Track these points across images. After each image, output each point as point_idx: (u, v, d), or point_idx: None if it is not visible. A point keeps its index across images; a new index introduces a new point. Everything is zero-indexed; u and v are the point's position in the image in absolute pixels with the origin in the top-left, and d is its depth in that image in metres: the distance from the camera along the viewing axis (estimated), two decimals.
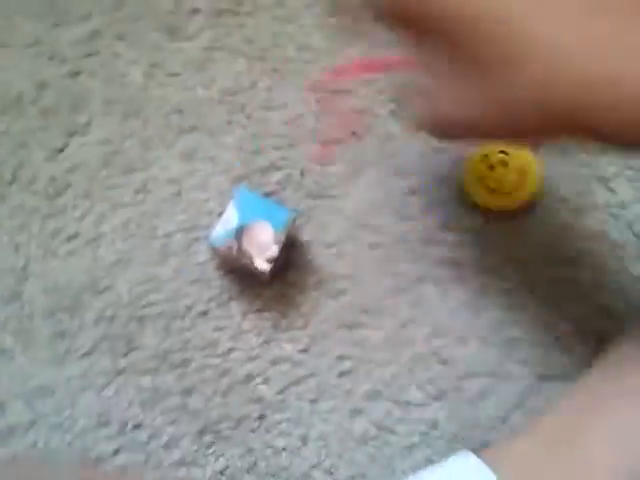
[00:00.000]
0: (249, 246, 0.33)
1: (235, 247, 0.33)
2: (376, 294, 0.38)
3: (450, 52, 0.24)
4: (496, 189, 0.38)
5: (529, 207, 0.38)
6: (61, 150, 0.40)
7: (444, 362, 0.37)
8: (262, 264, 0.33)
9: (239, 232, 0.33)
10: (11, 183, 0.39)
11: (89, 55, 0.42)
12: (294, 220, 0.34)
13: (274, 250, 0.33)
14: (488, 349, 0.37)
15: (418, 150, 0.40)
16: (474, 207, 0.39)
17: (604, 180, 0.39)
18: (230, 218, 0.33)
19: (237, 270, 0.36)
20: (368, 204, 0.39)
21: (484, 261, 0.38)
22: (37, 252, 0.38)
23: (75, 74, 0.41)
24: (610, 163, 0.39)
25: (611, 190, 0.39)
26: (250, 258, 0.33)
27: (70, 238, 0.38)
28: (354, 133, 0.41)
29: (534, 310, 0.37)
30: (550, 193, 0.39)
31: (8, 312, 0.37)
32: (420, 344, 0.37)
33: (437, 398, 0.36)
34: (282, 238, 0.33)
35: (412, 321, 0.37)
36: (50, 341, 0.36)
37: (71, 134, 0.40)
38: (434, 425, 0.36)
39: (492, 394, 0.36)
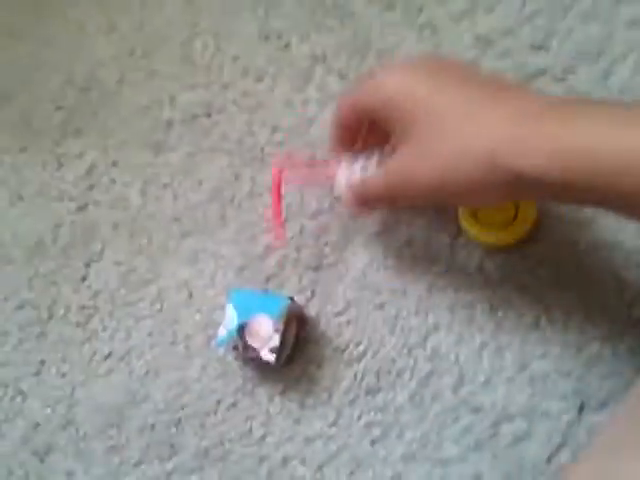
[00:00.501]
0: (252, 341, 0.35)
1: (240, 345, 0.35)
2: (391, 354, 0.38)
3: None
4: (490, 224, 0.37)
5: (528, 238, 0.37)
6: (84, 279, 0.44)
7: (475, 410, 0.36)
8: (267, 355, 0.35)
9: (241, 330, 0.35)
10: (49, 319, 0.43)
11: (91, 188, 0.46)
12: (288, 306, 0.36)
13: (276, 340, 0.34)
14: (517, 388, 0.36)
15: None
16: (473, 243, 0.38)
17: None
18: (230, 319, 0.35)
19: (251, 361, 0.38)
20: (367, 265, 0.40)
21: (494, 297, 0.37)
22: (80, 377, 0.42)
23: (82, 208, 0.46)
24: None
25: None
26: (256, 351, 0.35)
27: (105, 358, 0.42)
28: (338, 199, 0.42)
29: (558, 339, 0.36)
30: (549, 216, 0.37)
31: (66, 438, 0.40)
32: (446, 396, 0.36)
33: (475, 449, 0.35)
34: (281, 326, 0.35)
35: (433, 374, 0.37)
36: (105, 457, 0.40)
37: (88, 263, 0.44)
38: (478, 478, 0.35)
39: (531, 435, 0.35)
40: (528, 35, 0.41)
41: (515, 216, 0.37)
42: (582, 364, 0.35)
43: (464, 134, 0.27)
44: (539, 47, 0.40)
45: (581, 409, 0.34)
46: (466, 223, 0.38)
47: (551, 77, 0.39)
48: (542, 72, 0.39)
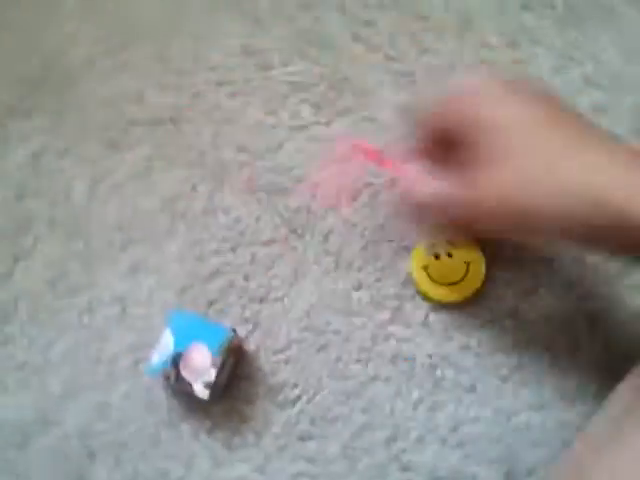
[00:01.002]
0: (187, 373, 0.33)
1: (172, 375, 0.33)
2: (327, 401, 0.37)
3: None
4: (439, 279, 0.37)
5: (475, 297, 0.37)
6: (8, 275, 0.40)
7: (404, 469, 0.35)
8: (201, 390, 0.32)
9: (176, 359, 0.33)
10: None
11: (33, 175, 0.42)
12: (230, 339, 0.34)
13: (211, 374, 0.32)
14: (448, 450, 0.35)
15: (359, 244, 0.40)
16: (422, 296, 0.38)
17: (548, 261, 0.38)
18: (166, 345, 0.33)
19: (181, 394, 0.36)
20: (313, 304, 0.39)
21: (436, 353, 0.37)
22: None
23: (20, 196, 0.42)
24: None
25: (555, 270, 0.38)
26: (189, 386, 0.33)
27: (18, 367, 0.38)
28: (294, 231, 0.40)
29: (493, 403, 0.36)
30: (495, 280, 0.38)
31: None
32: (378, 451, 0.36)
33: None
34: (219, 361, 0.33)
35: (367, 427, 0.36)
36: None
37: (17, 259, 0.40)
38: None
39: None
40: None
41: (465, 274, 0.37)
42: (512, 431, 0.35)
43: (568, 169, 0.26)
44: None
45: (508, 476, 0.35)
46: (418, 276, 0.38)
47: None
48: None
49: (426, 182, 0.31)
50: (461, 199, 0.29)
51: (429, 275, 0.37)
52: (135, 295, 0.39)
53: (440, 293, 0.37)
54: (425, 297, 0.38)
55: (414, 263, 0.38)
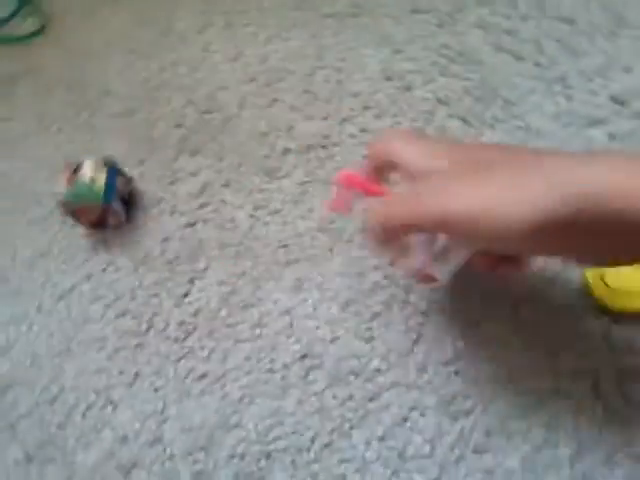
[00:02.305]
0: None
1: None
2: (507, 410, 0.36)
3: None
4: (618, 287, 0.35)
5: None
6: (185, 295, 0.44)
7: None
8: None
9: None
10: (147, 331, 0.43)
11: (202, 206, 0.47)
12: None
13: None
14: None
15: None
16: (600, 308, 0.36)
17: None
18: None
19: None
20: (475, 308, 0.38)
21: (621, 369, 0.35)
22: (173, 394, 0.41)
23: (192, 224, 0.46)
24: None
25: None
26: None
27: (200, 377, 0.41)
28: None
29: None
30: None
31: (152, 455, 0.40)
32: (563, 467, 0.34)
33: None
34: None
35: (549, 443, 0.34)
36: None
37: (192, 280, 0.44)
38: None
39: None
40: None
41: None
42: None
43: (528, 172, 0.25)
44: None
45: None
46: (593, 283, 0.36)
47: None
48: None
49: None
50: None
51: (606, 283, 0.35)
52: (301, 309, 0.41)
53: (619, 302, 0.35)
54: (604, 308, 0.36)
55: (590, 270, 0.36)
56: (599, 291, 0.36)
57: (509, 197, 0.25)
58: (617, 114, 0.41)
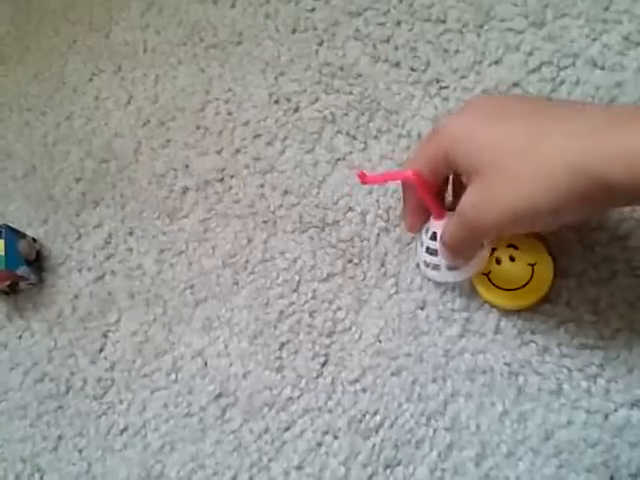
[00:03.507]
0: None
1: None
2: (409, 425, 0.36)
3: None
4: (503, 285, 0.36)
5: (547, 297, 0.35)
6: (101, 350, 0.44)
7: None
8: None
9: None
10: (67, 392, 0.43)
11: (108, 258, 0.47)
12: None
13: None
14: (543, 460, 0.33)
15: (416, 261, 0.39)
16: (488, 304, 0.37)
17: (620, 240, 0.35)
18: None
19: None
20: (382, 328, 0.39)
21: (514, 360, 0.36)
22: (96, 453, 0.41)
23: (100, 278, 0.46)
24: (621, 220, 0.36)
25: (630, 248, 0.35)
26: None
27: (121, 432, 0.41)
28: (350, 261, 0.41)
29: (585, 404, 0.34)
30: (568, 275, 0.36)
31: None
32: (469, 470, 0.34)
33: None
34: None
35: (454, 446, 0.35)
36: None
37: (105, 334, 0.44)
38: None
39: None
40: (535, 86, 0.41)
41: (531, 277, 0.35)
42: (610, 432, 0.33)
43: (541, 154, 0.26)
44: (547, 99, 0.40)
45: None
46: (478, 284, 0.37)
47: None
48: None
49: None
50: (450, 227, 0.32)
51: (491, 281, 0.36)
52: (212, 348, 0.42)
53: (504, 300, 0.36)
54: (492, 305, 0.37)
55: (475, 277, 0.37)
56: (486, 295, 0.36)
57: (538, 190, 0.26)
58: None
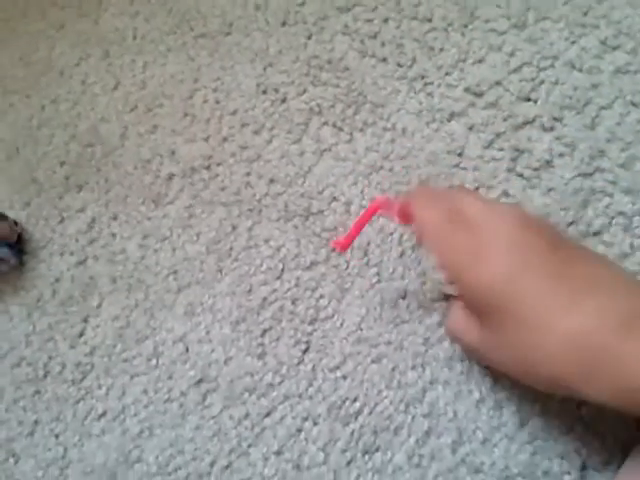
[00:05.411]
0: None
1: None
2: (389, 410, 0.37)
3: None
4: None
5: None
6: (81, 335, 0.44)
7: (475, 471, 0.34)
8: None
9: None
10: (45, 377, 0.43)
11: (91, 242, 0.46)
12: None
13: None
14: (518, 447, 0.34)
15: (398, 251, 0.40)
16: None
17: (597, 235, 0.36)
18: None
19: None
20: (363, 317, 0.39)
21: None
22: (74, 438, 0.41)
23: (82, 262, 0.46)
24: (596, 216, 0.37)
25: (605, 243, 0.36)
26: None
27: (100, 417, 0.41)
28: (333, 250, 0.41)
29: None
30: None
31: None
32: (446, 455, 0.35)
33: None
34: None
35: (431, 433, 0.36)
36: None
37: (86, 318, 0.44)
38: None
39: None
40: (516, 85, 0.42)
41: None
42: (583, 420, 0.34)
43: (550, 329, 0.26)
44: (526, 98, 0.41)
45: (583, 468, 0.33)
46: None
47: (539, 126, 0.40)
48: (530, 121, 0.40)
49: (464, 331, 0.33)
50: (468, 334, 0.32)
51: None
52: (195, 334, 0.42)
53: None
54: None
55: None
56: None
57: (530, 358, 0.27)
58: (473, 105, 0.42)
